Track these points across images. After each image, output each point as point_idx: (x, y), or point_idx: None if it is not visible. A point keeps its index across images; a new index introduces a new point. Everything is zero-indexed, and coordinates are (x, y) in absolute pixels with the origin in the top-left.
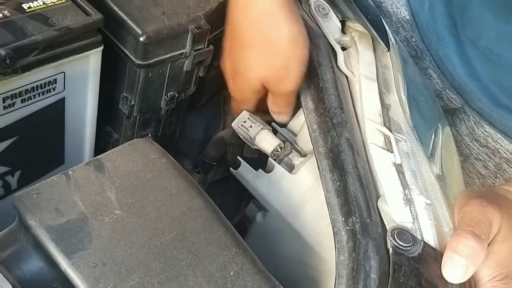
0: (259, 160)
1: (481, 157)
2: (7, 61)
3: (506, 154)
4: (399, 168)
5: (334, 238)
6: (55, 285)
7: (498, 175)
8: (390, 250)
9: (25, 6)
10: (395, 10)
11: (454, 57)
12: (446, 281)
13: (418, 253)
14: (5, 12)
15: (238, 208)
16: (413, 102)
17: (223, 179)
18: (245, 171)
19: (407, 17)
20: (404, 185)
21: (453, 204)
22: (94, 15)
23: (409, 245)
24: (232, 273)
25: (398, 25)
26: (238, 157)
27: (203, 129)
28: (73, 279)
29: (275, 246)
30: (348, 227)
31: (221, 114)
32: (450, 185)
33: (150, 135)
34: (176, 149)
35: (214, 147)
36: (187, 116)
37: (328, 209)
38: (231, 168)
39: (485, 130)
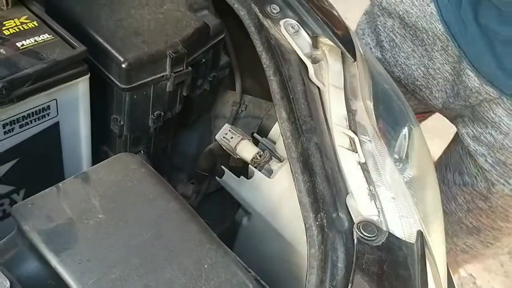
0: (244, 168)
1: None
2: (4, 92)
3: None
4: (364, 167)
5: (306, 234)
6: (49, 281)
7: None
8: (355, 240)
9: (18, 44)
10: (430, 25)
11: (487, 56)
12: (408, 266)
13: (382, 242)
14: (1, 51)
15: (232, 215)
16: (380, 106)
17: (221, 190)
18: (228, 179)
19: (442, 29)
20: (369, 181)
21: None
22: (79, 48)
23: (373, 235)
24: (206, 266)
25: (435, 38)
26: (222, 166)
27: (196, 144)
28: (62, 274)
29: (260, 246)
30: (317, 223)
31: (212, 130)
32: (419, 179)
33: (142, 151)
34: (171, 164)
35: (205, 159)
36: (180, 133)
37: (301, 208)
38: (216, 177)
39: None
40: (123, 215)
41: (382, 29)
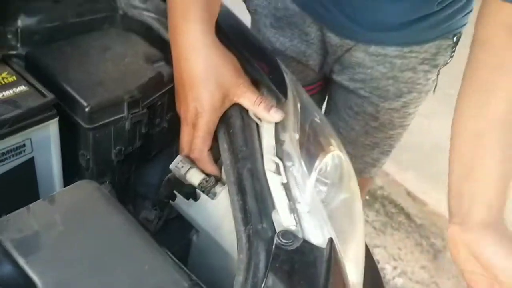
0: (193, 192)
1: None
2: None
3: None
4: (286, 186)
5: (237, 243)
6: (19, 279)
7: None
8: (273, 246)
9: (1, 94)
10: (295, 11)
11: (340, 18)
12: (316, 265)
13: (296, 247)
14: None
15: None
16: (305, 136)
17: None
18: (180, 202)
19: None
20: (290, 198)
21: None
22: (49, 97)
23: (289, 241)
24: (146, 268)
25: (302, 18)
26: (174, 191)
27: (159, 175)
28: (28, 272)
29: (208, 259)
30: (245, 233)
31: None
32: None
33: (108, 182)
34: (136, 192)
35: (164, 187)
36: (145, 165)
37: (234, 222)
38: (170, 201)
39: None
40: (79, 228)
41: (264, 28)
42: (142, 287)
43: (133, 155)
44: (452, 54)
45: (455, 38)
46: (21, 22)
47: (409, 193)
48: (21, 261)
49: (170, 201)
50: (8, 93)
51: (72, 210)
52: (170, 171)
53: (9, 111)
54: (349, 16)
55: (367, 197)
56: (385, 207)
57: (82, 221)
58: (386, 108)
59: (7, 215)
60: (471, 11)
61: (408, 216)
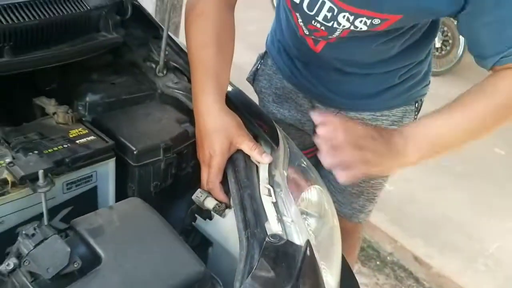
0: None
1: None
2: (69, 165)
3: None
4: (275, 204)
5: (239, 243)
6: (90, 255)
7: None
8: (264, 243)
9: (77, 141)
10: (290, 90)
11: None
12: (295, 257)
13: (281, 244)
14: (68, 145)
15: None
16: (291, 172)
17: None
18: (199, 222)
19: (296, 89)
20: (278, 213)
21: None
22: (109, 142)
23: (276, 240)
24: (172, 252)
25: (297, 93)
26: (196, 214)
27: (185, 209)
28: (96, 249)
29: (219, 266)
30: (245, 236)
31: None
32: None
33: None
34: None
35: (188, 216)
36: (174, 201)
37: (237, 230)
38: (192, 222)
39: None
40: (129, 224)
41: (268, 104)
42: (172, 265)
43: (165, 190)
44: (415, 117)
45: (417, 105)
46: (89, 98)
47: (416, 258)
48: (91, 241)
49: (193, 223)
50: (82, 140)
51: (124, 213)
52: (192, 204)
53: (83, 151)
54: (330, 89)
55: (378, 263)
56: (395, 271)
57: (132, 220)
58: None
59: (81, 216)
60: (428, 83)
61: (417, 280)
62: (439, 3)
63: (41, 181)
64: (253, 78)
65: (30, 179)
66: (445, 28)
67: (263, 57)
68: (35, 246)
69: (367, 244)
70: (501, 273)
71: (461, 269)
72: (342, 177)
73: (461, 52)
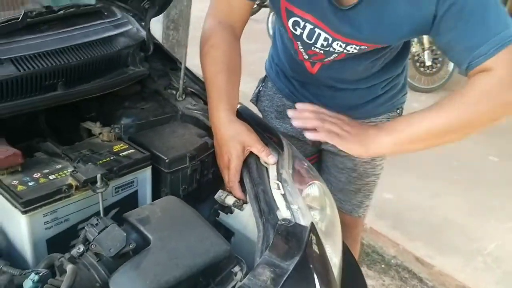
0: (230, 209)
1: None
2: (117, 172)
3: None
4: (284, 196)
5: (257, 228)
6: (141, 240)
7: None
8: (277, 225)
9: (121, 154)
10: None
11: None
12: (301, 235)
13: (291, 225)
14: (113, 157)
15: None
16: (295, 171)
17: None
18: (222, 216)
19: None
20: (286, 201)
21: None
22: (146, 154)
23: (286, 223)
24: (206, 235)
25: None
26: (218, 210)
27: (208, 210)
28: (145, 233)
29: (241, 250)
30: (261, 221)
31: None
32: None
33: None
34: None
35: (212, 215)
36: (200, 203)
37: (254, 218)
38: (216, 218)
39: None
40: (169, 214)
41: (271, 120)
42: (205, 245)
43: (191, 193)
44: None
45: (398, 111)
46: (123, 121)
47: (417, 259)
48: (141, 228)
49: (216, 218)
50: (125, 153)
51: (164, 207)
52: (215, 204)
53: (127, 161)
54: (324, 104)
55: (383, 266)
56: (399, 273)
57: (170, 212)
58: (360, 162)
59: (130, 211)
60: (406, 93)
61: (420, 279)
62: (410, 33)
63: (99, 183)
64: (256, 99)
65: (90, 182)
66: (434, 47)
67: (263, 80)
68: (99, 233)
69: (372, 249)
70: (499, 270)
71: (461, 267)
72: (309, 136)
73: (451, 69)
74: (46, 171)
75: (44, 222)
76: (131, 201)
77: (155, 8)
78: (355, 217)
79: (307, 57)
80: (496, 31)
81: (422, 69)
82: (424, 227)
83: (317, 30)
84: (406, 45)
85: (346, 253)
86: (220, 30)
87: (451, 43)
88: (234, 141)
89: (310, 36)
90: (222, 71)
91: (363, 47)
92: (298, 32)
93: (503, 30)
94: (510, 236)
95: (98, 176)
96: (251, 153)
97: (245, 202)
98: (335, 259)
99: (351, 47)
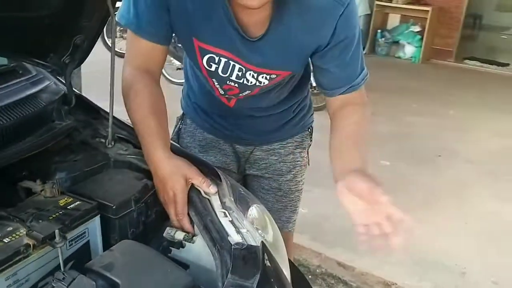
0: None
1: None
2: (69, 225)
3: None
4: (232, 222)
5: (213, 257)
6: (109, 285)
7: None
8: (232, 249)
9: (69, 207)
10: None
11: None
12: (256, 253)
13: (244, 247)
14: (62, 211)
15: None
16: (236, 199)
17: None
18: (174, 251)
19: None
20: (235, 227)
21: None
22: (94, 203)
23: (240, 246)
24: (169, 271)
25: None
26: (169, 247)
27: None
28: (113, 279)
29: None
30: (216, 250)
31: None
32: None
33: None
34: None
35: (163, 251)
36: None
37: (208, 247)
38: (167, 254)
39: None
40: (131, 259)
41: (195, 154)
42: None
43: (139, 235)
44: (311, 139)
45: (309, 130)
46: (58, 176)
47: (339, 264)
48: (107, 274)
49: (168, 254)
50: (72, 206)
51: (123, 251)
52: (163, 242)
53: (77, 213)
54: (244, 132)
55: (310, 277)
56: (325, 280)
57: (131, 254)
58: (284, 181)
59: (94, 259)
60: (313, 113)
61: (345, 283)
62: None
63: (57, 238)
64: (178, 137)
65: (49, 239)
66: None
67: (182, 118)
68: (68, 286)
69: (298, 263)
70: (411, 261)
71: (378, 264)
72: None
73: None
74: None
75: (7, 286)
76: (85, 251)
77: (75, 62)
78: (286, 232)
79: (223, 93)
80: (362, 67)
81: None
82: (340, 234)
83: (232, 62)
84: (307, 69)
85: (291, 265)
86: (140, 77)
87: (331, 69)
88: (177, 175)
89: (225, 69)
90: (150, 114)
91: (273, 76)
92: (213, 68)
93: (364, 67)
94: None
95: (56, 231)
96: (191, 187)
97: (194, 235)
98: (285, 271)
99: (262, 77)
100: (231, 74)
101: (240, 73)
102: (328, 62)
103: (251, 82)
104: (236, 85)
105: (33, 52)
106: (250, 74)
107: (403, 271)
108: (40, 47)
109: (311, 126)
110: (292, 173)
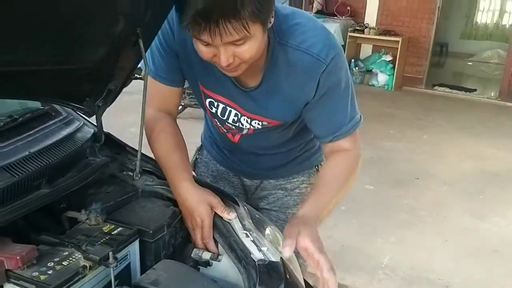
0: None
1: None
2: (117, 248)
3: None
4: (253, 242)
5: (240, 272)
6: None
7: None
8: (256, 265)
9: (113, 233)
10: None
11: (251, 170)
12: (278, 267)
13: (267, 263)
14: (108, 236)
15: None
16: (255, 222)
17: None
18: (202, 270)
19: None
20: (257, 245)
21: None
22: (134, 228)
23: (263, 262)
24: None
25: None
26: (197, 265)
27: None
28: None
29: None
30: (242, 266)
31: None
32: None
33: None
34: None
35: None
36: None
37: (234, 263)
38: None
39: None
40: (174, 276)
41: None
42: None
43: (169, 257)
44: None
45: (316, 167)
46: (94, 206)
47: None
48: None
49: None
50: (115, 231)
51: (165, 268)
52: (189, 262)
53: (120, 238)
54: (251, 167)
55: None
56: None
57: (172, 271)
58: (291, 213)
59: (140, 277)
60: (322, 153)
61: None
62: (299, 111)
63: (111, 259)
64: (194, 166)
65: (103, 260)
66: None
67: (200, 149)
68: None
69: None
70: (397, 277)
71: (368, 281)
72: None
73: None
74: (57, 259)
75: None
76: (126, 272)
77: (107, 104)
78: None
79: (225, 131)
80: (352, 115)
81: None
82: (329, 255)
83: (228, 108)
84: None
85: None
86: (162, 117)
87: (318, 118)
88: (203, 204)
89: (223, 113)
90: (175, 150)
91: (264, 123)
92: (214, 110)
93: (356, 114)
94: (395, 248)
95: (110, 253)
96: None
97: (220, 254)
98: (301, 283)
99: (255, 122)
100: (228, 118)
101: (235, 118)
102: (313, 112)
103: (246, 126)
104: (233, 127)
105: (72, 97)
106: (244, 119)
107: (392, 285)
108: (78, 93)
109: (320, 164)
110: (299, 206)
